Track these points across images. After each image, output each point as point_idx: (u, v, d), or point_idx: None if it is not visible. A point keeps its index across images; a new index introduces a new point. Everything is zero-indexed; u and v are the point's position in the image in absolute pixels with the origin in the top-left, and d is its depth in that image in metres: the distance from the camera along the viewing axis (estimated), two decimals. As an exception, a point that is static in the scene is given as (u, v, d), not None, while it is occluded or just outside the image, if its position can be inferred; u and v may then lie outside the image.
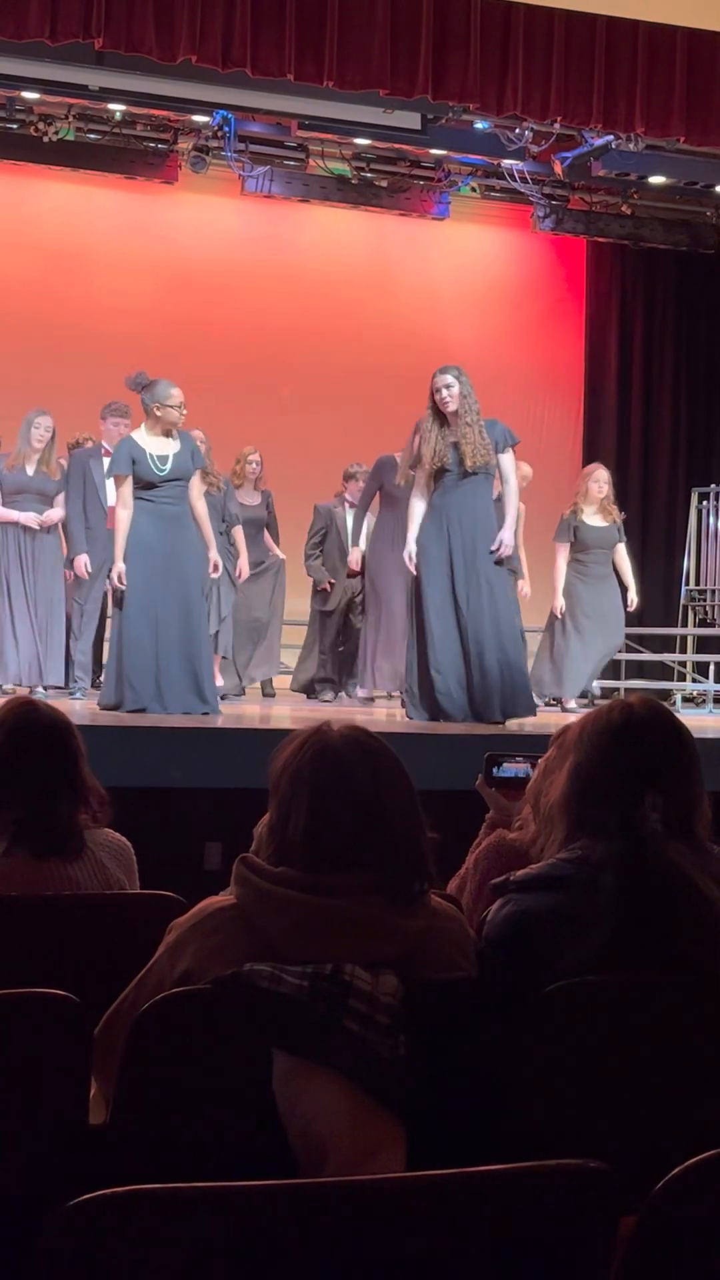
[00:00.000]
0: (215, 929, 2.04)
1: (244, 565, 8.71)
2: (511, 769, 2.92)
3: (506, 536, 7.03)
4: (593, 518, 8.65)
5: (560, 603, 8.58)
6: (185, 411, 6.99)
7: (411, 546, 7.04)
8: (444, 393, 6.97)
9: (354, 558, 7.75)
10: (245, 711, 7.83)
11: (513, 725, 6.94)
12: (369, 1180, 1.53)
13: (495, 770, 2.93)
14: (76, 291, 11.82)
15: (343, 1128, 1.87)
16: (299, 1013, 1.90)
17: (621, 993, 2.07)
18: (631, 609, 8.84)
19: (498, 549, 6.97)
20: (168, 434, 6.96)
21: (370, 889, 2.01)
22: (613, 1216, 1.46)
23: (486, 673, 6.90)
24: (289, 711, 8.47)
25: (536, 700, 7.78)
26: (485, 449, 6.95)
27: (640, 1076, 2.04)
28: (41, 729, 2.93)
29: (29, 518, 8.01)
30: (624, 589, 8.72)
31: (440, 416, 7.01)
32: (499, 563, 7.03)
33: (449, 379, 7.00)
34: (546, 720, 7.25)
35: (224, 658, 8.60)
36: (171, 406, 6.92)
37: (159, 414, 6.91)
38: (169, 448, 6.95)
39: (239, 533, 8.74)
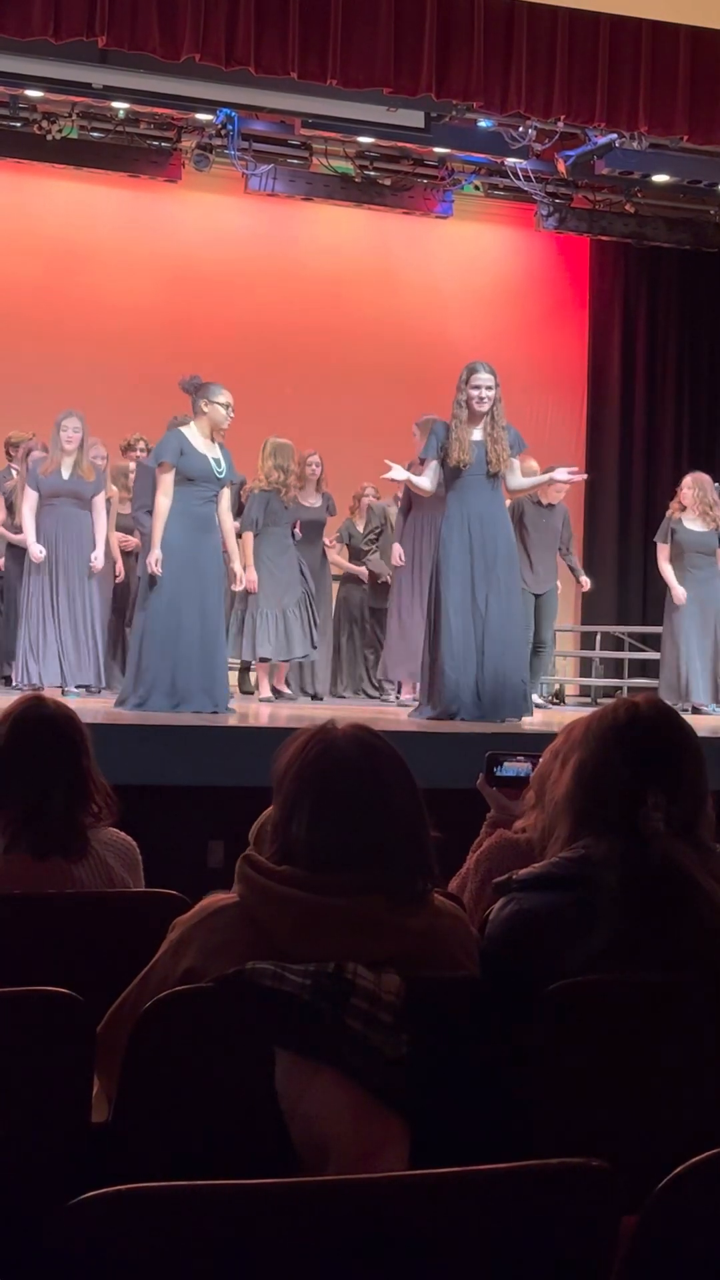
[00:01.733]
0: (218, 927, 2.03)
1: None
2: (513, 768, 2.92)
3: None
4: (692, 522, 8.70)
5: (677, 595, 8.66)
6: (233, 414, 7.07)
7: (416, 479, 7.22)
8: (484, 392, 6.95)
9: (397, 553, 8.08)
10: (248, 710, 7.83)
11: (519, 724, 6.94)
12: (371, 1179, 1.53)
13: (496, 770, 2.93)
14: (80, 290, 11.83)
15: (345, 1126, 1.87)
16: (301, 1011, 1.90)
17: (623, 992, 2.07)
18: None
19: None
20: (212, 437, 7.03)
21: (373, 888, 2.01)
22: (613, 1216, 1.46)
23: (496, 674, 6.93)
24: (292, 711, 8.47)
25: None
26: (506, 453, 6.97)
27: (642, 1076, 2.04)
28: (46, 726, 2.92)
29: (35, 552, 7.98)
30: None
31: (471, 414, 7.00)
32: None
33: (491, 380, 6.98)
34: (550, 719, 7.25)
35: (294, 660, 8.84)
36: (219, 404, 7.01)
37: (206, 410, 7.01)
38: (216, 452, 7.03)
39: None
